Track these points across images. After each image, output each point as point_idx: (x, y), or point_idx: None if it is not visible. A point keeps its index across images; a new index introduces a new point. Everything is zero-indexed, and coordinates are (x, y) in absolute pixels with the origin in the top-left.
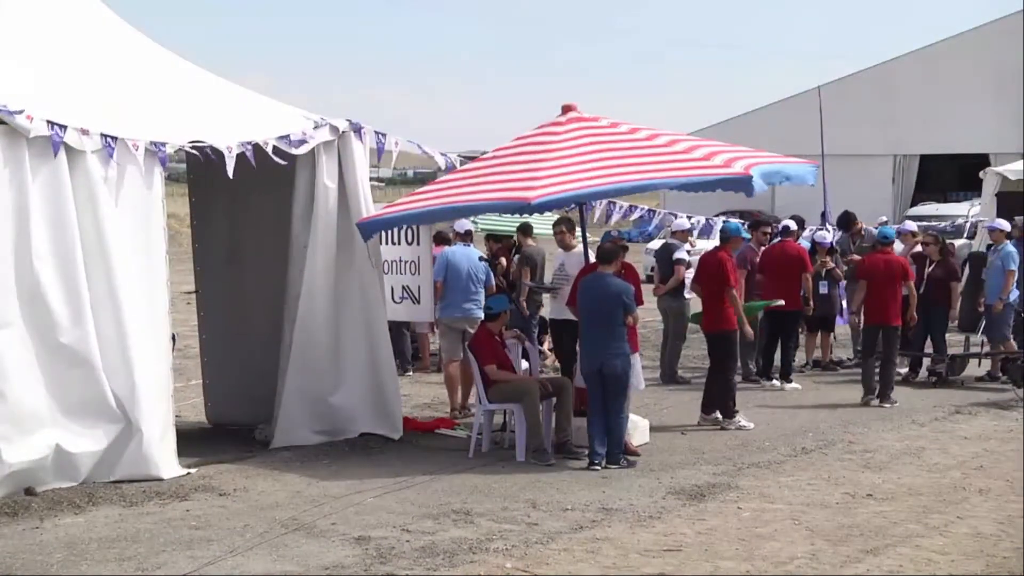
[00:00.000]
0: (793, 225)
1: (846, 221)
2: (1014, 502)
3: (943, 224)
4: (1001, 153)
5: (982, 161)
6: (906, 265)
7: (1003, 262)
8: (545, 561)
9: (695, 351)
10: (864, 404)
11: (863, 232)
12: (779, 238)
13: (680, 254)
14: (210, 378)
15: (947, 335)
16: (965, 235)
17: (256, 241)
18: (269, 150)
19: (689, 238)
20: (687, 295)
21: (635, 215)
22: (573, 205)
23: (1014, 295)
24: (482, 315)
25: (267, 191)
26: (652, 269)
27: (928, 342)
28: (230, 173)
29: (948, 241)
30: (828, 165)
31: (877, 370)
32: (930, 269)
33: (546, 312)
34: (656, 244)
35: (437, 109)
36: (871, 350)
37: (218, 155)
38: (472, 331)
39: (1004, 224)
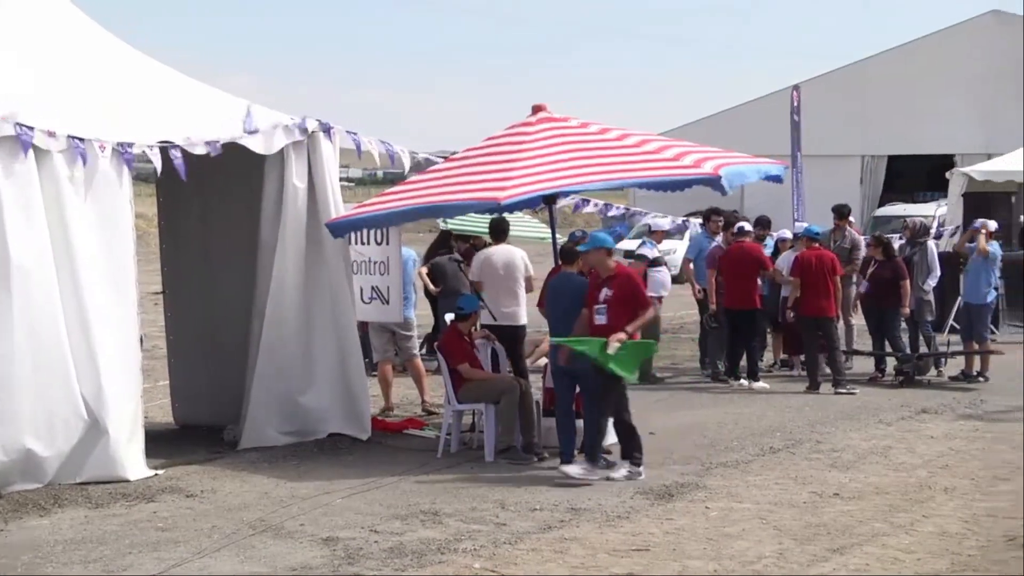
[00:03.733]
0: (748, 226)
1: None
2: (979, 501)
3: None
4: (967, 154)
5: (949, 162)
6: (836, 260)
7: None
8: (513, 561)
9: (677, 351)
10: (809, 392)
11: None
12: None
13: (642, 251)
14: (177, 379)
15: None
16: (932, 235)
17: (224, 241)
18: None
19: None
20: (651, 293)
21: (612, 212)
22: (542, 204)
23: (991, 295)
24: (412, 315)
25: (236, 191)
26: None
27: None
28: (183, 175)
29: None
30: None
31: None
32: (874, 269)
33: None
34: (628, 244)
35: (419, 109)
36: (813, 343)
37: (185, 156)
38: (403, 332)
39: (992, 224)
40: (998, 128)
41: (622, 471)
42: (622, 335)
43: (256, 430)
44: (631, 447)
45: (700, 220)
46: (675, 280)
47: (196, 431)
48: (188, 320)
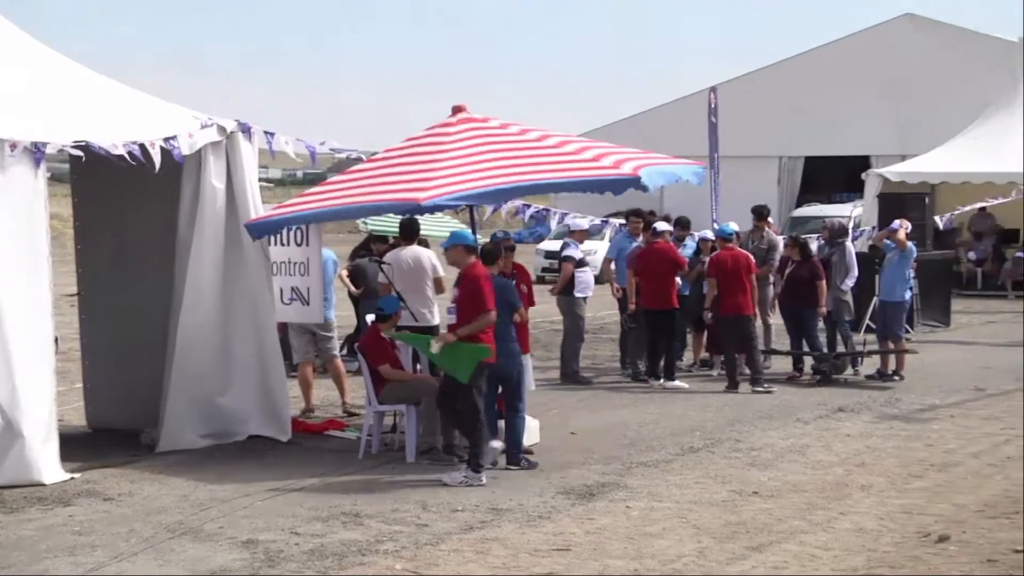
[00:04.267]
0: (662, 227)
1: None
2: (895, 498)
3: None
4: (882, 155)
5: (865, 163)
6: (751, 259)
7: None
8: (435, 562)
9: (598, 351)
10: (728, 392)
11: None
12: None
13: (569, 252)
14: (91, 382)
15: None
16: (849, 237)
17: (141, 242)
18: (155, 152)
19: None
20: (577, 294)
21: (530, 212)
22: (463, 206)
23: (906, 294)
24: (332, 316)
25: (153, 191)
26: (543, 270)
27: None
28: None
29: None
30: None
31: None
32: (791, 269)
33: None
34: (548, 245)
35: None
36: (731, 342)
37: (101, 155)
38: (323, 333)
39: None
40: (912, 130)
41: (459, 476)
42: (449, 336)
43: (174, 432)
44: (475, 452)
45: (621, 221)
46: (596, 280)
47: (111, 434)
48: (103, 322)
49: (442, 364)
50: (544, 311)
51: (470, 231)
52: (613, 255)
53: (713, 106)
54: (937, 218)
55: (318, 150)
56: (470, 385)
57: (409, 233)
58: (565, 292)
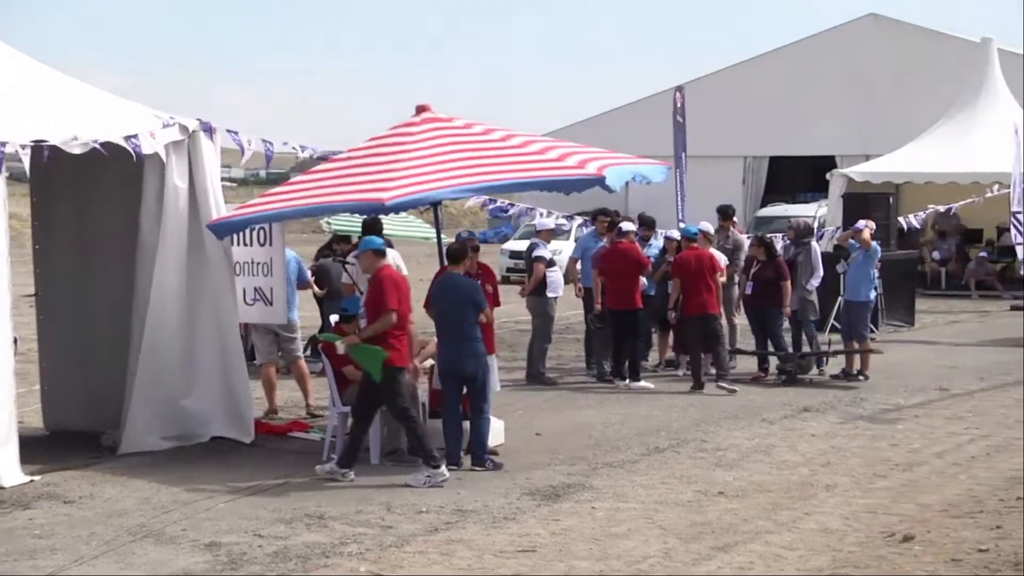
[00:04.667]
0: (627, 226)
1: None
2: (859, 497)
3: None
4: (847, 155)
5: (829, 163)
6: (714, 258)
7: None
8: (399, 564)
9: (563, 351)
10: (694, 392)
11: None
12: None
13: (539, 252)
14: (49, 384)
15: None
16: (815, 236)
17: (101, 242)
18: (127, 144)
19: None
20: (549, 294)
21: (513, 211)
22: (428, 206)
23: (871, 294)
24: (295, 317)
25: (114, 191)
26: (508, 270)
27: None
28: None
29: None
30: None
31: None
32: (756, 269)
33: None
34: (513, 244)
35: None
36: (696, 342)
37: (59, 154)
38: (286, 333)
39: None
40: (876, 130)
41: (421, 477)
42: (353, 338)
43: (136, 434)
44: (419, 446)
45: (587, 219)
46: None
47: (72, 437)
48: (61, 323)
49: (361, 363)
50: (509, 311)
51: (377, 237)
52: (579, 254)
53: (679, 105)
54: (912, 217)
55: (279, 149)
56: (388, 385)
57: (372, 233)
58: (536, 292)
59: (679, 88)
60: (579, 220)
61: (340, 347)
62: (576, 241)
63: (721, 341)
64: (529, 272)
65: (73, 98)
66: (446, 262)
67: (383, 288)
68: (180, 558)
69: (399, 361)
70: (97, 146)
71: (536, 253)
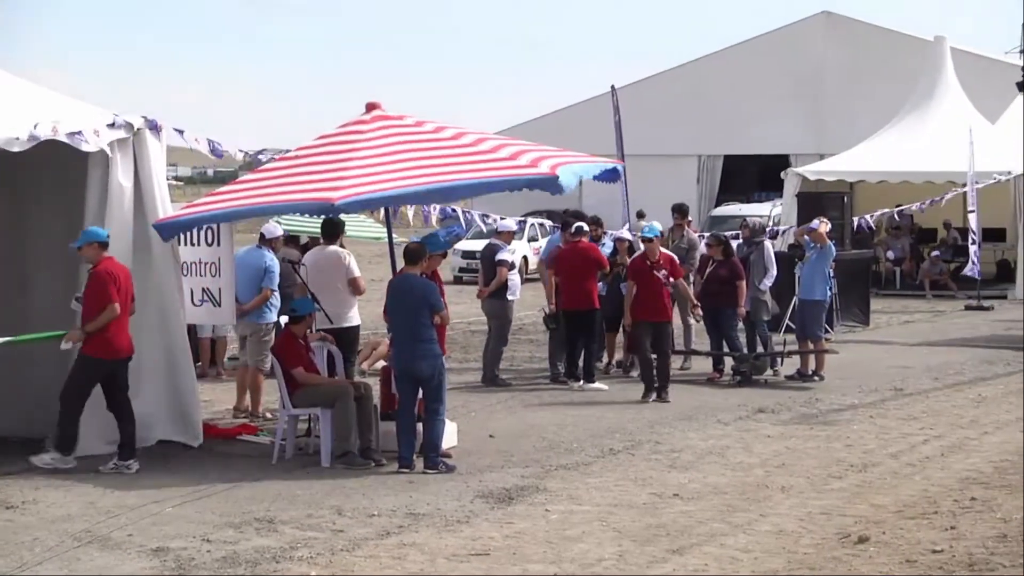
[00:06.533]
0: (587, 226)
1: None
2: (814, 499)
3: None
4: (801, 154)
5: (784, 162)
6: (674, 260)
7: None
8: (351, 569)
9: (516, 352)
10: (644, 401)
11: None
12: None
13: (503, 255)
14: None
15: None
16: (767, 235)
17: (40, 242)
18: (67, 138)
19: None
20: (509, 297)
21: (436, 214)
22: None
23: (825, 292)
24: (273, 318)
25: (53, 189)
26: (460, 270)
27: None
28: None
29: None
30: (634, 164)
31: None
32: (711, 269)
33: None
34: (466, 244)
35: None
36: (644, 347)
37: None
38: (259, 336)
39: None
40: (830, 129)
41: (47, 457)
42: (76, 333)
43: (80, 438)
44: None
45: (555, 225)
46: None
47: (12, 442)
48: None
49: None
50: (460, 312)
51: (100, 229)
52: (545, 257)
53: (615, 104)
54: (868, 217)
55: (227, 149)
56: (76, 369)
57: (330, 233)
58: (495, 295)
59: (613, 87)
60: (531, 221)
61: (64, 345)
62: (534, 242)
63: (668, 353)
64: (484, 273)
65: (20, 98)
66: (401, 263)
67: (104, 282)
68: (126, 564)
69: (94, 352)
70: (39, 137)
71: (499, 256)
